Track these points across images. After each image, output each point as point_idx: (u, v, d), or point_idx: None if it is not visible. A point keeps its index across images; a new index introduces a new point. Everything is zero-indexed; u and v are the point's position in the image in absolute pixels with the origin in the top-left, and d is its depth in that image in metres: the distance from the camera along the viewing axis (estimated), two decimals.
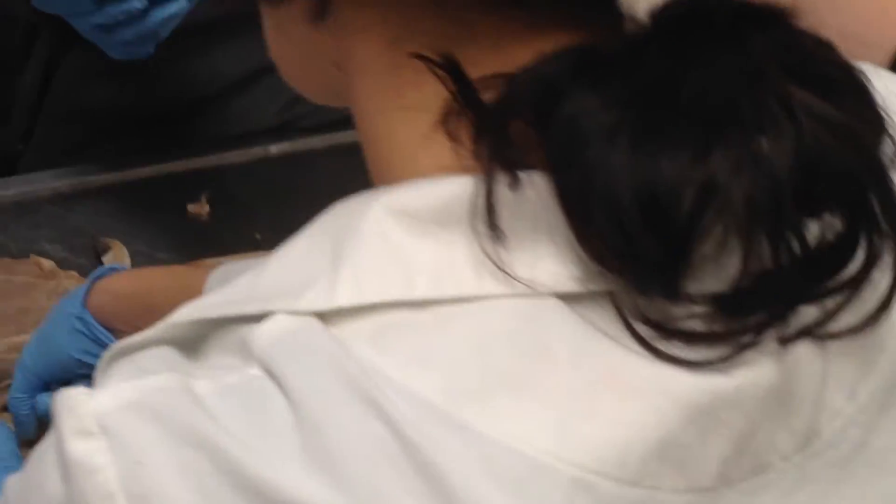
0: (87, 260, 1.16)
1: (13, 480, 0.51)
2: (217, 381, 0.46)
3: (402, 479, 0.43)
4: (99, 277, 0.98)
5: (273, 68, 0.59)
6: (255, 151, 1.31)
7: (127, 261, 1.16)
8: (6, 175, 1.30)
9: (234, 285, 0.51)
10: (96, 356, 0.92)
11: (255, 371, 0.46)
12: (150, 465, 0.45)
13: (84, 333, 0.96)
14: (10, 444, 0.95)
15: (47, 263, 1.07)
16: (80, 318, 0.96)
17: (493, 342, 0.45)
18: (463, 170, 0.48)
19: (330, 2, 0.52)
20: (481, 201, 0.46)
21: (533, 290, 0.46)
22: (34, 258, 1.08)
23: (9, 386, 1.02)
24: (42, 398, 0.97)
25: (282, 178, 1.30)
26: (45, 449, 0.48)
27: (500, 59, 0.49)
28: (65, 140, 1.30)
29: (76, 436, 0.46)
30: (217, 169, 1.29)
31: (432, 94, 0.49)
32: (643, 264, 0.44)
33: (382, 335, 0.46)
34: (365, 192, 0.50)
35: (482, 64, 0.48)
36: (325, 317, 0.47)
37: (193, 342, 0.51)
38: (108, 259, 1.15)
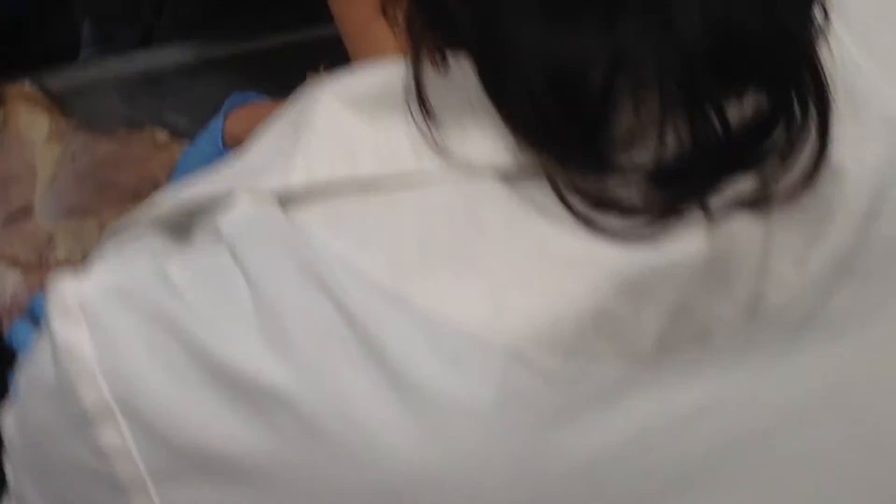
0: None
1: (33, 348, 0.55)
2: (188, 264, 0.49)
3: (348, 354, 0.45)
4: (227, 112, 1.00)
5: None
6: None
7: None
8: (139, 47, 1.34)
9: (215, 172, 0.55)
10: None
11: (222, 254, 0.49)
12: (125, 348, 0.48)
13: None
14: None
15: (161, 135, 1.10)
16: (222, 157, 0.98)
17: (433, 219, 0.47)
18: (401, 53, 0.49)
19: None
20: (411, 82, 0.48)
21: (469, 167, 0.47)
22: (149, 130, 1.11)
23: None
24: None
25: None
26: (42, 327, 0.52)
27: None
28: (195, 12, 1.32)
29: (61, 319, 0.50)
30: (338, 38, 1.29)
31: None
32: (563, 140, 0.45)
33: (335, 218, 0.48)
34: (326, 77, 0.53)
35: None
36: (284, 202, 0.49)
37: (182, 223, 0.53)
38: None
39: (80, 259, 1.04)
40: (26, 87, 1.08)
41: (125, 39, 1.49)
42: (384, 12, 0.51)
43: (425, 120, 0.48)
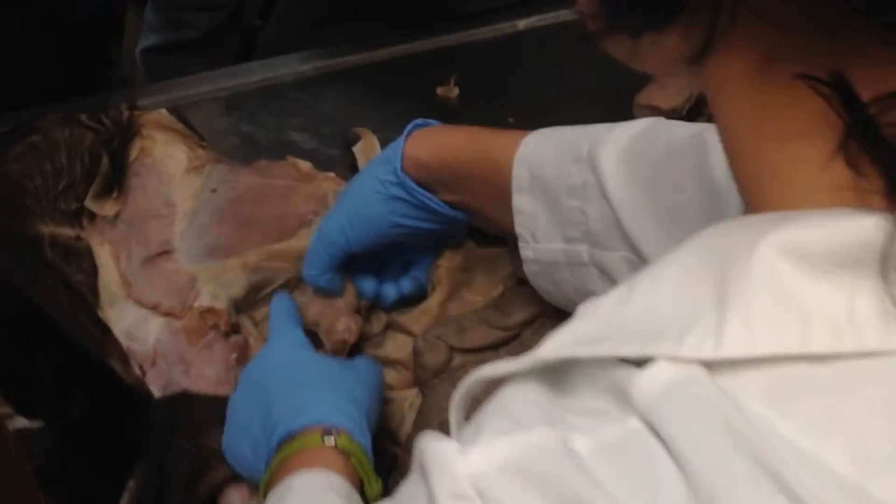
0: (338, 151, 1.12)
1: None
2: (595, 435, 0.44)
3: None
4: (408, 135, 0.94)
5: None
6: (502, 27, 1.24)
7: (377, 149, 1.11)
8: (245, 52, 1.26)
9: (598, 314, 0.49)
10: (415, 218, 0.93)
11: (636, 424, 0.44)
12: None
13: (403, 199, 0.92)
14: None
15: (304, 165, 1.03)
16: (401, 185, 0.92)
17: None
18: (863, 204, 0.44)
19: (712, 46, 0.47)
20: (891, 244, 0.43)
21: None
22: (291, 160, 1.04)
23: (272, 293, 0.99)
24: (366, 283, 0.98)
25: (531, 56, 1.23)
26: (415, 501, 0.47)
27: (891, 76, 0.44)
28: (305, 17, 1.25)
29: (451, 499, 0.45)
30: (463, 47, 1.23)
31: (814, 117, 0.46)
32: None
33: (778, 392, 0.43)
34: (745, 221, 0.47)
35: (871, 81, 0.45)
36: (710, 365, 0.43)
37: (559, 370, 0.49)
38: (358, 149, 1.11)
39: (224, 305, 0.97)
40: (163, 115, 1.00)
41: (196, 26, 1.41)
42: (845, 159, 0.45)
43: None
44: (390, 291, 1.00)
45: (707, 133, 0.77)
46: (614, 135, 0.82)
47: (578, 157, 0.83)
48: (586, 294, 0.84)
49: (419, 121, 0.94)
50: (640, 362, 0.45)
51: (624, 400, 0.44)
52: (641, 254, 0.78)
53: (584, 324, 0.49)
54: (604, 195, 0.80)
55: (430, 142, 0.92)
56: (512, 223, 0.89)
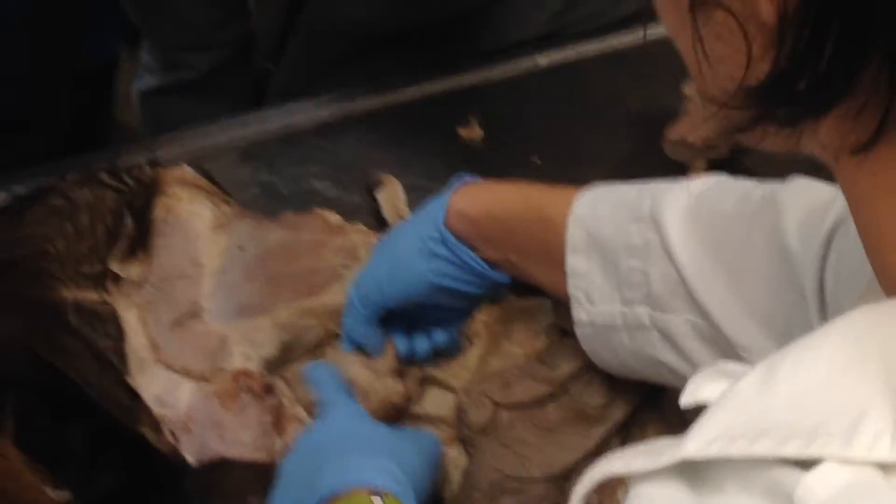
0: (361, 198, 1.09)
1: None
2: None
3: None
4: (453, 190, 0.91)
5: None
6: (523, 64, 1.21)
7: (401, 195, 1.08)
8: (256, 97, 1.23)
9: (738, 403, 0.45)
10: (456, 279, 0.90)
11: None
12: None
13: (445, 257, 0.89)
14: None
15: (333, 218, 1.00)
16: (443, 242, 0.89)
17: None
18: None
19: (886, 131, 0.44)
20: None
21: None
22: (318, 212, 1.00)
23: (305, 352, 0.96)
24: (397, 341, 0.95)
25: (554, 92, 1.20)
26: None
27: None
28: (318, 59, 1.21)
29: None
30: (483, 86, 1.20)
31: None
32: None
33: None
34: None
35: None
36: (886, 467, 0.41)
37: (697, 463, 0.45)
38: (381, 196, 1.08)
39: (256, 366, 0.93)
40: (186, 170, 0.97)
41: (194, 66, 1.38)
42: None
43: None
44: (423, 343, 0.97)
45: (780, 194, 0.74)
46: (677, 193, 0.79)
47: (639, 216, 0.80)
48: (644, 359, 0.81)
49: (466, 177, 0.91)
50: (801, 461, 0.42)
51: (784, 502, 0.42)
52: (709, 317, 0.75)
53: (725, 415, 0.46)
54: (668, 255, 0.77)
55: (478, 195, 0.89)
56: (559, 282, 0.86)
